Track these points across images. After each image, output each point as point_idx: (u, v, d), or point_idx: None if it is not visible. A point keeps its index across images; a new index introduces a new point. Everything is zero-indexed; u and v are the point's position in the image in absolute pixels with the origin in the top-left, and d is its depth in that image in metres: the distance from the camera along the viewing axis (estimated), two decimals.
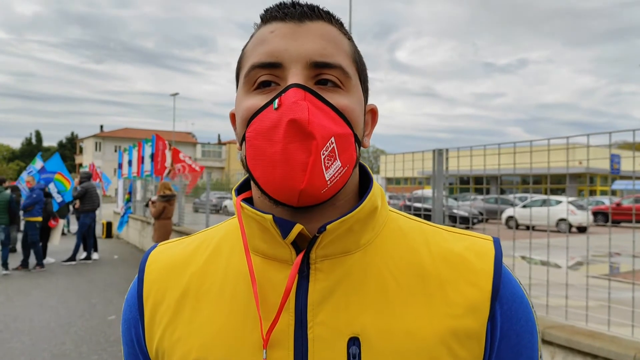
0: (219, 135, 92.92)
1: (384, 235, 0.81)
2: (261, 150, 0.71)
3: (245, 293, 0.77)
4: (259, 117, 0.72)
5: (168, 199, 9.92)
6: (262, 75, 0.75)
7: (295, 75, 0.73)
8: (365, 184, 0.86)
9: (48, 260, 12.49)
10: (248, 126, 0.73)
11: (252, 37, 0.81)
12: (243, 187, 0.87)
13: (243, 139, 0.75)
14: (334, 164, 0.71)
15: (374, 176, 0.85)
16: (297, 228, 0.74)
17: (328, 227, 0.73)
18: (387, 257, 0.78)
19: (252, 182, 0.79)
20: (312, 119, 0.68)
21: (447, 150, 4.62)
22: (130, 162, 18.52)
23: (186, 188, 13.49)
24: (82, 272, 11.30)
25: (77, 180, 14.33)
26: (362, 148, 0.80)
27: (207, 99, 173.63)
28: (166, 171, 13.65)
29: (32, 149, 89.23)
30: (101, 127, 78.88)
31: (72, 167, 77.55)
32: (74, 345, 6.24)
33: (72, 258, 12.54)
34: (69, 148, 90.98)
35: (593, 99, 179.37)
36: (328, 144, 0.70)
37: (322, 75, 0.74)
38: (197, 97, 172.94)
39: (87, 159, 69.23)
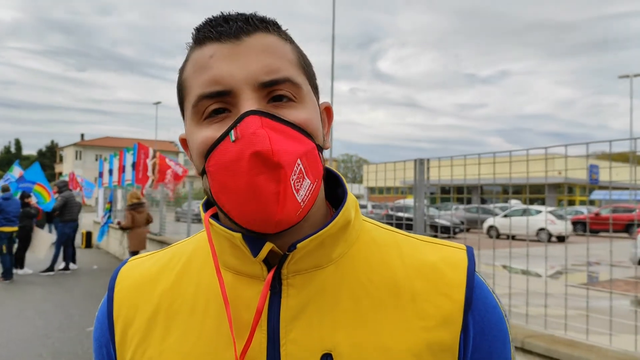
0: None
1: (357, 247, 0.79)
2: (226, 185, 0.69)
3: (217, 312, 0.76)
4: (218, 151, 0.69)
5: (134, 208, 10.16)
6: (212, 104, 0.72)
7: (246, 101, 0.70)
8: (332, 187, 0.85)
9: (26, 270, 12.27)
10: (207, 160, 0.71)
11: (187, 59, 0.77)
12: (211, 202, 0.85)
13: (204, 171, 0.73)
14: (304, 183, 0.70)
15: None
16: (267, 246, 0.72)
17: (298, 245, 0.72)
18: (359, 270, 0.77)
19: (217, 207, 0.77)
20: (275, 148, 0.66)
21: (428, 160, 4.65)
22: (111, 171, 18.32)
23: (167, 197, 13.37)
24: (60, 283, 11.11)
25: (54, 189, 14.13)
26: (325, 150, 0.79)
27: None
28: (149, 180, 13.53)
29: (10, 157, 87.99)
30: (82, 135, 78.13)
31: (52, 176, 76.44)
32: (51, 357, 6.13)
33: (50, 268, 12.33)
34: (49, 157, 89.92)
35: (572, 110, 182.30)
36: (295, 168, 0.68)
37: (275, 91, 0.72)
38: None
39: (67, 167, 68.41)
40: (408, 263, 0.79)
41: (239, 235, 0.72)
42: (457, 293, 0.76)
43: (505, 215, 17.96)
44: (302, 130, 0.72)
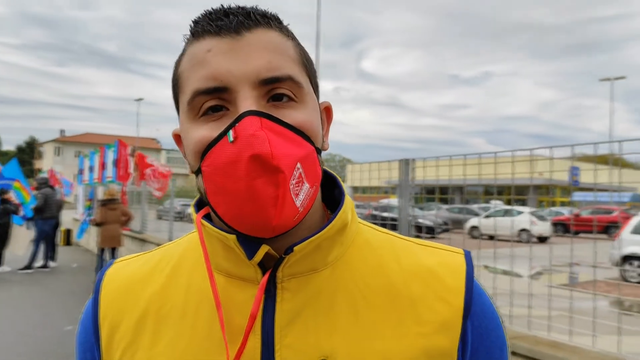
0: None
1: (353, 250, 0.77)
2: (222, 187, 0.66)
3: (208, 315, 0.73)
4: (214, 152, 0.66)
5: (105, 204, 10.42)
6: (208, 100, 0.69)
7: (245, 99, 0.67)
8: (329, 188, 0.82)
9: (4, 268, 12.05)
10: (203, 159, 0.68)
11: (184, 53, 0.74)
12: (202, 201, 0.81)
13: (198, 171, 0.71)
14: (303, 187, 0.67)
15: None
16: (264, 249, 0.70)
17: (295, 248, 0.70)
18: (356, 274, 0.75)
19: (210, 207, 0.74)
20: (275, 151, 0.63)
21: (413, 160, 4.65)
22: (91, 168, 18.09)
23: (153, 194, 13.23)
24: (39, 281, 10.94)
25: (32, 186, 13.92)
26: (323, 151, 0.77)
27: (172, 105, 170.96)
28: (130, 178, 13.39)
29: None
30: (62, 131, 77.12)
31: (31, 172, 75.40)
32: (30, 356, 6.01)
33: (29, 266, 12.13)
34: (28, 152, 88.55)
35: (554, 112, 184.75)
36: (294, 172, 0.66)
37: (275, 90, 0.69)
38: (162, 102, 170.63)
39: (46, 163, 67.51)
40: (405, 267, 0.77)
41: (233, 237, 0.69)
42: (456, 299, 0.74)
43: (488, 216, 18.11)
44: (301, 133, 0.69)
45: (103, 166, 15.91)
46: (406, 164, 4.64)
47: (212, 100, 0.69)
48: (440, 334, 0.72)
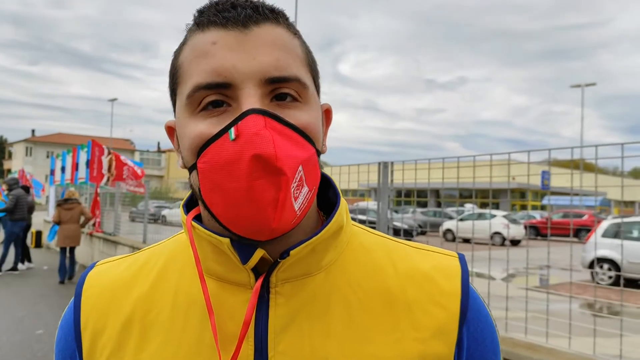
0: (158, 143, 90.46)
1: (347, 253, 0.76)
2: (220, 185, 0.63)
3: (198, 321, 0.70)
4: (214, 149, 0.64)
5: (60, 204, 11.12)
6: (209, 95, 0.66)
7: (249, 97, 0.64)
8: (322, 190, 0.80)
9: None
10: (199, 156, 0.65)
11: (185, 42, 0.71)
12: (192, 202, 0.79)
13: (193, 167, 0.68)
14: (302, 190, 0.65)
15: None
16: (259, 253, 0.67)
17: (291, 252, 0.68)
18: (351, 278, 0.73)
19: (201, 205, 0.72)
20: (279, 153, 0.61)
21: (392, 163, 4.67)
22: (63, 169, 17.78)
23: (135, 191, 13.03)
24: (8, 284, 10.66)
25: (4, 186, 13.61)
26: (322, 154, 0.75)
27: (147, 105, 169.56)
28: (104, 178, 13.18)
29: None
30: (33, 131, 75.46)
31: (0, 173, 73.71)
32: None
33: None
34: None
35: (526, 117, 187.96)
36: (296, 175, 0.63)
37: (279, 89, 0.67)
38: (136, 103, 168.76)
39: (16, 164, 65.98)
40: (400, 270, 0.75)
41: (227, 240, 0.67)
42: (452, 303, 0.73)
43: (462, 219, 18.30)
44: (304, 134, 0.67)
45: (75, 167, 15.64)
46: (385, 167, 4.66)
47: (214, 95, 0.66)
48: (436, 339, 0.71)
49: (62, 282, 10.78)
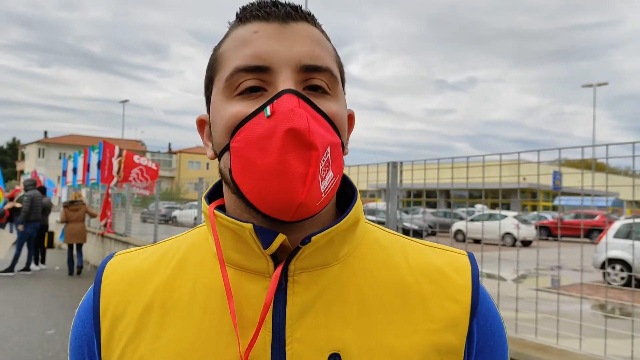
0: (169, 144, 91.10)
1: (363, 248, 0.78)
2: (252, 161, 0.66)
3: (217, 307, 0.72)
4: (248, 126, 0.67)
5: (67, 205, 12.26)
6: (247, 79, 0.70)
7: (286, 80, 0.69)
8: (339, 189, 0.82)
9: None
10: (234, 135, 0.69)
11: (226, 37, 0.76)
12: (214, 194, 0.82)
13: (226, 149, 0.71)
14: (328, 174, 0.68)
15: None
16: (280, 239, 0.69)
17: (313, 238, 0.70)
18: (366, 270, 0.76)
19: (226, 192, 0.75)
20: (312, 127, 0.65)
21: (401, 163, 4.66)
22: (75, 170, 17.92)
23: (141, 193, 13.12)
24: (20, 284, 10.77)
25: (18, 187, 13.77)
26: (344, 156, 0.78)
27: (157, 107, 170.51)
28: (114, 180, 13.27)
29: None
30: (45, 133, 76.14)
31: (13, 174, 74.46)
32: None
33: (10, 269, 11.94)
34: (10, 154, 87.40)
35: (537, 118, 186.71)
36: (325, 154, 0.66)
37: (312, 80, 0.71)
38: (147, 104, 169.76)
39: (29, 165, 66.58)
40: (414, 265, 0.78)
41: (249, 225, 0.69)
42: (463, 297, 0.76)
43: (472, 220, 18.22)
44: (332, 122, 0.71)
45: (87, 168, 15.76)
46: (394, 167, 4.65)
47: (252, 80, 0.70)
48: (449, 331, 0.73)
49: (70, 274, 11.93)
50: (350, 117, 0.82)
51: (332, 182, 0.69)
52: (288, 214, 0.66)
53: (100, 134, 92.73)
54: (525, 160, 4.45)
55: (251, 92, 0.70)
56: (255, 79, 0.70)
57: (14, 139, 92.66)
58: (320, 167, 0.65)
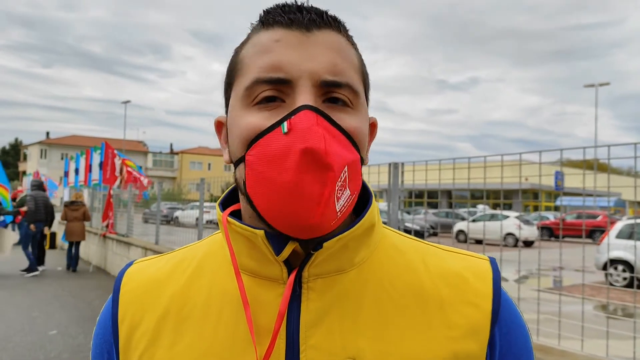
0: (171, 145, 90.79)
1: (379, 253, 0.77)
2: (266, 178, 0.64)
3: (232, 315, 0.72)
4: (265, 141, 0.66)
5: (67, 205, 13.15)
6: (266, 90, 0.68)
7: (304, 94, 0.67)
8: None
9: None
10: (249, 148, 0.67)
11: (248, 39, 0.74)
12: (227, 201, 0.81)
13: (241, 160, 0.70)
14: (344, 193, 0.66)
15: None
16: (291, 245, 0.68)
17: (325, 245, 0.69)
18: (383, 276, 0.74)
19: (242, 199, 0.74)
20: (328, 148, 0.63)
21: (402, 164, 4.66)
22: (77, 171, 17.92)
23: (136, 197, 13.16)
24: (22, 285, 10.79)
25: (20, 189, 13.84)
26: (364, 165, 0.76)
27: (159, 107, 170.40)
28: (117, 181, 13.27)
29: None
30: (47, 133, 76.27)
31: (16, 175, 74.58)
32: None
33: (34, 268, 12.07)
34: (12, 155, 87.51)
35: (539, 118, 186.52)
36: (342, 174, 0.65)
37: (332, 93, 0.69)
38: (148, 105, 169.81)
39: (31, 166, 66.68)
40: (433, 270, 0.76)
41: (261, 232, 0.69)
42: (484, 303, 0.73)
43: (474, 220, 18.20)
44: (351, 138, 0.69)
45: (89, 169, 15.76)
46: (395, 168, 4.64)
47: (271, 91, 0.69)
48: (469, 338, 0.71)
49: (68, 269, 12.82)
50: (373, 126, 0.81)
51: (348, 200, 0.68)
52: (302, 233, 0.65)
53: (102, 135, 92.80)
54: (527, 160, 4.45)
55: (268, 101, 0.69)
56: (273, 90, 0.68)
57: (16, 140, 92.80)
58: (337, 188, 0.64)
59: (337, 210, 0.65)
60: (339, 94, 0.69)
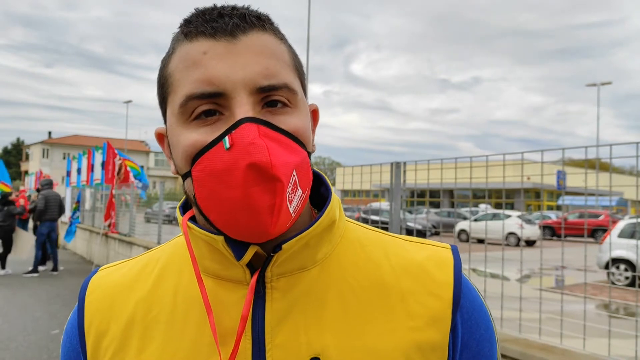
0: None
1: (342, 248, 0.77)
2: (216, 193, 0.65)
3: (197, 319, 0.73)
4: (208, 157, 0.65)
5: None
6: (202, 105, 0.67)
7: (242, 105, 0.66)
8: (315, 187, 0.82)
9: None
10: (193, 164, 0.67)
11: (174, 51, 0.72)
12: (188, 204, 0.81)
13: (188, 174, 0.69)
14: (297, 193, 0.67)
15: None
16: (252, 249, 0.69)
17: (284, 246, 0.69)
18: (345, 271, 0.75)
19: (196, 210, 0.74)
20: (273, 160, 0.63)
21: (404, 163, 4.66)
22: (79, 170, 17.99)
23: (136, 197, 13.19)
24: (25, 284, 10.82)
25: (22, 188, 13.85)
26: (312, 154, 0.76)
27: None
28: (116, 180, 13.29)
29: None
30: (49, 133, 76.38)
31: (18, 174, 74.72)
32: None
33: (55, 268, 12.20)
34: (14, 154, 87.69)
35: (541, 117, 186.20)
36: (291, 180, 0.65)
37: (270, 96, 0.68)
38: (150, 104, 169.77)
39: (33, 166, 66.78)
40: (395, 262, 0.77)
41: (221, 238, 0.69)
42: (445, 292, 0.74)
43: (476, 220, 18.20)
44: (296, 139, 0.69)
45: (91, 168, 15.81)
46: (397, 167, 4.65)
47: (206, 105, 0.67)
48: (431, 327, 0.72)
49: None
50: (314, 113, 0.80)
51: (301, 198, 0.68)
52: (259, 239, 0.66)
53: (104, 134, 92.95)
54: (529, 160, 4.45)
55: (207, 116, 0.67)
56: (209, 104, 0.67)
57: (18, 140, 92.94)
58: (287, 194, 0.65)
59: (291, 211, 0.66)
60: (277, 95, 0.68)
